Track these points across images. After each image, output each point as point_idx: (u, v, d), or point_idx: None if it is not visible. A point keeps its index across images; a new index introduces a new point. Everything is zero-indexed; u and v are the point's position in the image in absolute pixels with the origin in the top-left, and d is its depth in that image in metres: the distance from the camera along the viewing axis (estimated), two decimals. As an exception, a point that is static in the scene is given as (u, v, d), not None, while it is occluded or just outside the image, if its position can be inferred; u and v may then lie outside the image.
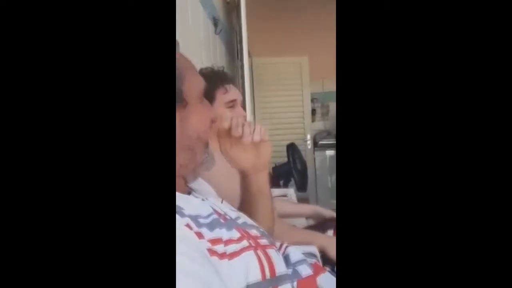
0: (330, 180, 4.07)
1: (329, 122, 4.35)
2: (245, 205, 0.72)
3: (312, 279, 0.54)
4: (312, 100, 4.19)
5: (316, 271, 0.56)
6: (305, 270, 0.55)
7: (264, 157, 0.71)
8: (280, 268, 0.51)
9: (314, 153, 4.07)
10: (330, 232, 1.19)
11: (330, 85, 4.28)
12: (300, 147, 3.32)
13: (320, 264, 0.66)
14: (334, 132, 4.20)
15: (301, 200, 2.10)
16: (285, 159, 2.88)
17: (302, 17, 4.03)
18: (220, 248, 0.46)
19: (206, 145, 0.58)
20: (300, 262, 0.56)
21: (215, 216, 0.52)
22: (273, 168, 2.82)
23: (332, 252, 0.98)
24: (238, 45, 2.62)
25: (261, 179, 0.72)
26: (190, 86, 0.53)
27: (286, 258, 0.56)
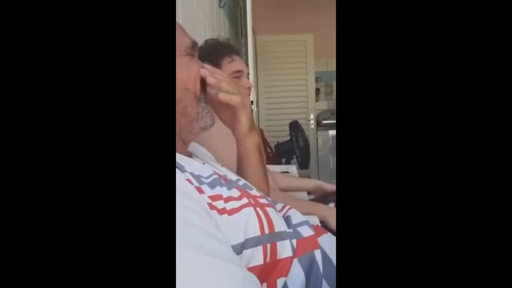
0: (332, 160, 4.07)
1: (333, 101, 4.33)
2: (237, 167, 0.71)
3: (313, 238, 0.54)
4: (316, 79, 4.15)
5: (318, 232, 0.57)
6: (306, 231, 0.55)
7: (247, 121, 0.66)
8: (280, 225, 0.52)
9: (317, 132, 4.07)
10: (332, 205, 1.20)
11: (335, 64, 4.22)
12: (303, 127, 3.31)
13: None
14: (338, 112, 4.18)
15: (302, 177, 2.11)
16: (288, 138, 2.88)
17: (308, -7, 3.95)
18: (219, 204, 0.46)
19: (197, 97, 0.57)
20: (301, 223, 0.57)
21: (215, 176, 0.52)
22: (276, 146, 2.82)
23: (333, 222, 0.99)
24: (242, 21, 2.58)
25: (250, 142, 0.68)
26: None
27: (287, 220, 0.57)
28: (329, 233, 0.59)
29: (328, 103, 4.33)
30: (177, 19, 1.18)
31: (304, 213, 0.96)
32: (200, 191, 0.45)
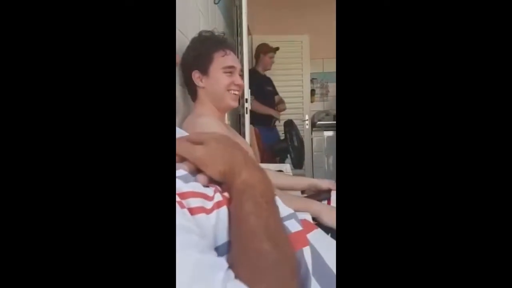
0: (326, 162, 4.06)
1: (328, 102, 4.32)
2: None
3: (302, 234, 0.52)
4: (312, 80, 4.15)
5: (307, 228, 0.55)
6: (293, 226, 0.52)
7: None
8: None
9: (312, 133, 4.06)
10: (324, 202, 1.18)
11: (330, 65, 4.23)
12: (298, 127, 3.30)
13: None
14: (333, 113, 4.17)
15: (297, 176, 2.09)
16: (282, 137, 2.86)
17: (304, -6, 3.95)
18: (191, 201, 0.43)
19: None
20: (288, 217, 0.54)
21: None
22: (270, 145, 2.81)
23: (326, 218, 0.98)
24: (238, 20, 2.56)
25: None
26: None
27: None
28: (319, 229, 0.56)
29: (324, 104, 4.32)
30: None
31: (296, 210, 0.94)
32: None
